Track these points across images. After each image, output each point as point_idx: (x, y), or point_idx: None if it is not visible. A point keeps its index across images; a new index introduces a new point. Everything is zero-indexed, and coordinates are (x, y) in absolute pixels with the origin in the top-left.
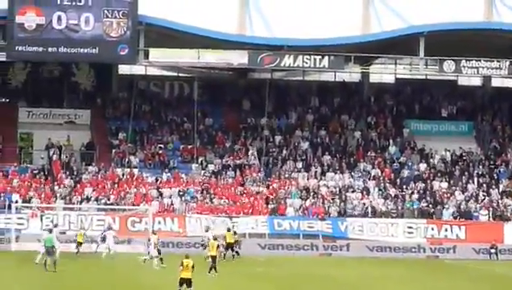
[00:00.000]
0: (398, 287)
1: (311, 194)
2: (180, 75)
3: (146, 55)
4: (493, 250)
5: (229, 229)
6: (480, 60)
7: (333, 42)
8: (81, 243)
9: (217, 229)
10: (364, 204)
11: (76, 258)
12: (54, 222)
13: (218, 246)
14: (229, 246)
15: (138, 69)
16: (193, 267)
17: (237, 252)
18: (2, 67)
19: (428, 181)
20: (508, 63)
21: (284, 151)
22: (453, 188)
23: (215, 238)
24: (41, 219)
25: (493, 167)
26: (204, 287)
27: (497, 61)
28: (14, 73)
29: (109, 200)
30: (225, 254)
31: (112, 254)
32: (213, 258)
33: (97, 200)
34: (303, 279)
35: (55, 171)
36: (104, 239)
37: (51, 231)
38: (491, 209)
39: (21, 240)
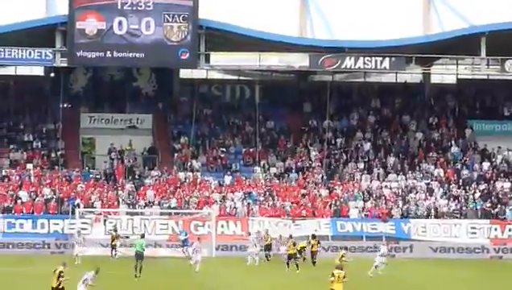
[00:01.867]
0: (463, 289)
1: (374, 196)
2: (241, 78)
3: (207, 59)
4: None
5: (314, 236)
6: None
7: (394, 43)
8: (115, 245)
9: (280, 232)
10: (427, 205)
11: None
12: (115, 226)
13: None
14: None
15: (199, 73)
16: (344, 277)
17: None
18: (64, 72)
19: (491, 181)
20: None
21: (346, 153)
22: None
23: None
24: (104, 224)
25: None
26: None
27: None
28: (76, 79)
29: (171, 204)
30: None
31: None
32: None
33: (159, 204)
34: (367, 281)
35: (118, 175)
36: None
37: (143, 236)
38: None
39: (85, 245)
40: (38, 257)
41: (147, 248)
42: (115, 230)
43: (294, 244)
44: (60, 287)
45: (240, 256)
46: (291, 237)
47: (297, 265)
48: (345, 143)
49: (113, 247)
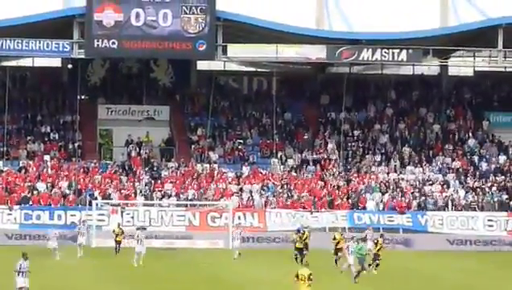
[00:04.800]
0: (479, 281)
1: (391, 188)
2: (259, 70)
3: (225, 51)
4: None
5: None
6: None
7: (411, 35)
8: (120, 241)
9: (297, 224)
10: (444, 197)
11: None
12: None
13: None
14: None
15: (216, 65)
16: (310, 278)
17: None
18: (81, 64)
19: (508, 173)
20: None
21: (363, 145)
22: None
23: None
24: (121, 215)
25: None
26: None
27: None
28: (93, 70)
29: (188, 195)
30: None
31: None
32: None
33: (176, 195)
34: (384, 272)
35: (135, 167)
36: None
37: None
38: None
39: (101, 236)
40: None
41: (163, 240)
42: (119, 226)
43: (300, 238)
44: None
45: (257, 248)
46: (298, 231)
47: (302, 260)
48: (362, 135)
49: (118, 243)
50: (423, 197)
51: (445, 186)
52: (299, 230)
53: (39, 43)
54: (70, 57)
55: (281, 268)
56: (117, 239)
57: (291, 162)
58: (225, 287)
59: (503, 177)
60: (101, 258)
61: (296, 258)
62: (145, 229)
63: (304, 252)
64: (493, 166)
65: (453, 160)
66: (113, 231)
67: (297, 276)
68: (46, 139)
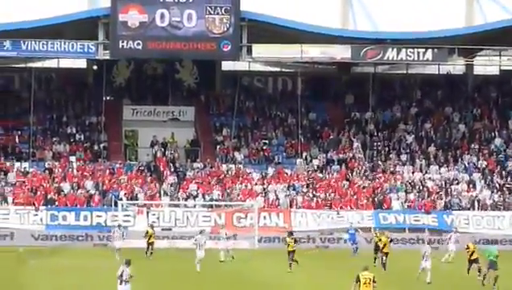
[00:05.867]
0: (506, 281)
1: (417, 187)
2: (284, 70)
3: (249, 51)
4: None
5: (291, 234)
6: None
7: (437, 34)
8: (153, 242)
9: (323, 223)
10: (470, 196)
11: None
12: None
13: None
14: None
15: (241, 65)
16: (374, 281)
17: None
18: (106, 65)
19: None
20: None
21: (388, 145)
22: None
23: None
24: (147, 216)
25: None
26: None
27: None
28: (118, 71)
29: (214, 196)
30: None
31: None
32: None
33: (202, 196)
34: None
35: (161, 168)
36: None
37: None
38: None
39: (127, 237)
40: (80, 249)
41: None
42: (152, 227)
43: (295, 241)
44: None
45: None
46: (291, 233)
47: (295, 262)
48: (388, 135)
49: (150, 245)
50: (449, 197)
51: (471, 186)
52: (291, 233)
53: (65, 44)
54: (95, 58)
55: (306, 269)
56: (150, 241)
57: (315, 162)
58: (250, 287)
59: None
60: (144, 261)
61: (290, 264)
62: (204, 232)
63: (291, 256)
64: None
65: (479, 160)
66: (147, 233)
67: (358, 280)
68: (71, 140)
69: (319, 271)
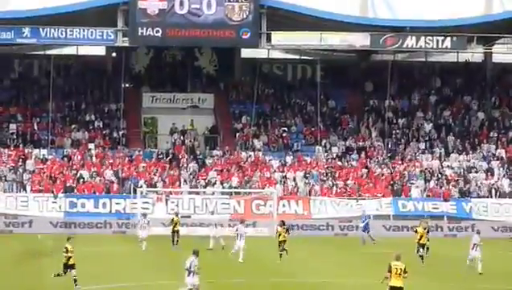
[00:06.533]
0: None
1: (436, 175)
2: (303, 58)
3: (269, 39)
4: None
5: (283, 223)
6: None
7: (456, 22)
8: (178, 231)
9: (342, 211)
10: (488, 184)
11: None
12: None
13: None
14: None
15: (260, 53)
16: (405, 271)
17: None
18: (126, 52)
19: None
20: None
21: (407, 133)
22: None
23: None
24: (166, 203)
25: None
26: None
27: None
28: (138, 59)
29: (233, 183)
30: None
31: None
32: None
33: (221, 183)
34: (430, 260)
35: (180, 155)
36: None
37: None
38: None
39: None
40: (99, 236)
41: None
42: (176, 214)
43: (287, 230)
44: (70, 263)
45: (302, 236)
46: (283, 223)
47: (283, 252)
48: (406, 123)
49: (175, 233)
50: (468, 185)
51: (489, 174)
52: (283, 223)
53: (84, 31)
54: (114, 45)
55: (325, 256)
56: (175, 229)
57: (335, 149)
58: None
59: None
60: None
61: (281, 255)
62: (244, 222)
63: (282, 246)
64: None
65: (497, 148)
66: (172, 220)
67: (390, 269)
68: (90, 128)
69: (340, 258)
